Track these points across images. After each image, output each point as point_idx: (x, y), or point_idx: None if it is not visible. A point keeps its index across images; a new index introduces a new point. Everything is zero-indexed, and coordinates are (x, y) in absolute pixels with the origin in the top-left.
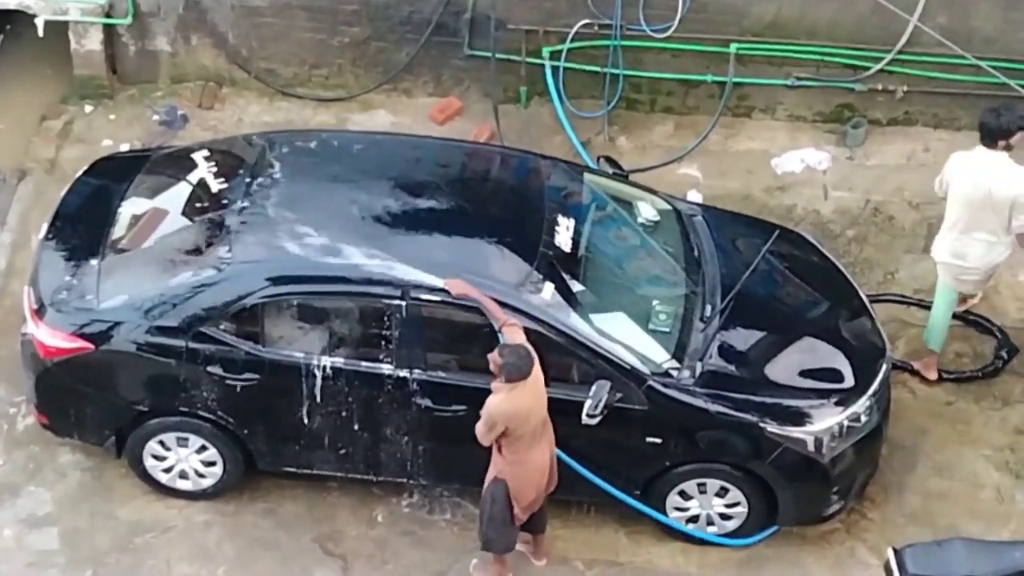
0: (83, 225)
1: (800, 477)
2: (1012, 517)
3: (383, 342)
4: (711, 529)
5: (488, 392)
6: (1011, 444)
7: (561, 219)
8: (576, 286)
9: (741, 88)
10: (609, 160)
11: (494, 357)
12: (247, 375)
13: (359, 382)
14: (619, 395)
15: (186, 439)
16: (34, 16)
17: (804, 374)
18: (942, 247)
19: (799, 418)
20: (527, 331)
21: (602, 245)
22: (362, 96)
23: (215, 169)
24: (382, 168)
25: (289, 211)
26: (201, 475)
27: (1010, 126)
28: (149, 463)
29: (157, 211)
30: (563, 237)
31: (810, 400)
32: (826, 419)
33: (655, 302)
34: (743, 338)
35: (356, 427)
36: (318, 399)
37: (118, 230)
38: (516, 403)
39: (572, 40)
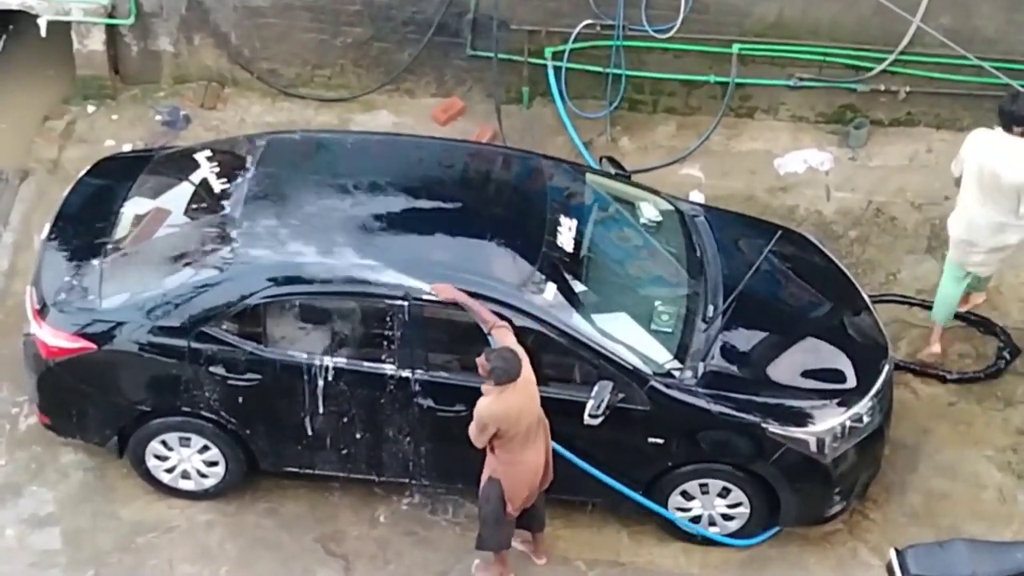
0: (85, 225)
1: (802, 478)
2: (1014, 518)
3: (385, 342)
4: (713, 530)
5: None
6: (1013, 445)
7: (564, 219)
8: (578, 286)
9: (743, 88)
10: (611, 160)
11: (482, 361)
12: (249, 375)
13: (361, 382)
14: (621, 395)
15: (188, 439)
16: (36, 16)
17: (806, 375)
18: (954, 221)
19: (801, 418)
20: (529, 331)
21: (604, 245)
22: (364, 96)
23: (217, 169)
24: (383, 169)
25: (291, 211)
26: (203, 475)
27: None
28: (151, 463)
29: (159, 211)
30: (566, 237)
31: (812, 401)
32: (828, 420)
33: (657, 303)
34: (745, 339)
35: (358, 427)
36: (320, 399)
37: (120, 230)
38: (506, 405)
39: (575, 40)
